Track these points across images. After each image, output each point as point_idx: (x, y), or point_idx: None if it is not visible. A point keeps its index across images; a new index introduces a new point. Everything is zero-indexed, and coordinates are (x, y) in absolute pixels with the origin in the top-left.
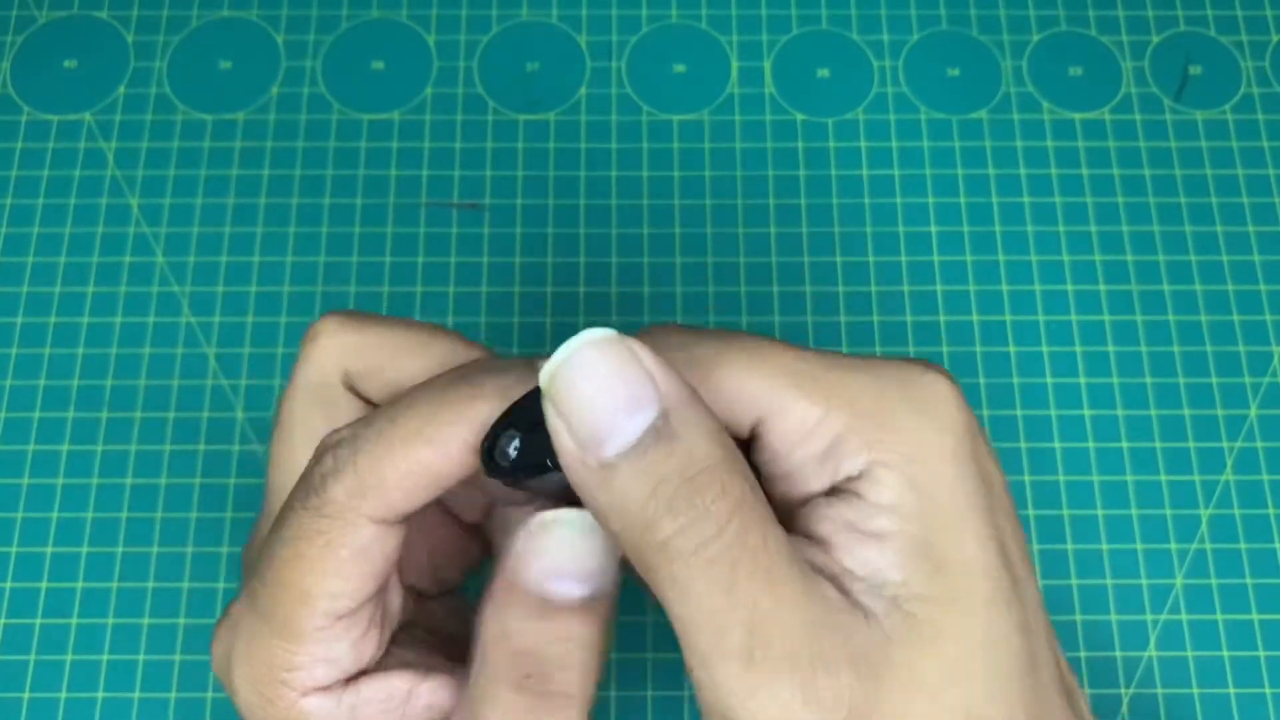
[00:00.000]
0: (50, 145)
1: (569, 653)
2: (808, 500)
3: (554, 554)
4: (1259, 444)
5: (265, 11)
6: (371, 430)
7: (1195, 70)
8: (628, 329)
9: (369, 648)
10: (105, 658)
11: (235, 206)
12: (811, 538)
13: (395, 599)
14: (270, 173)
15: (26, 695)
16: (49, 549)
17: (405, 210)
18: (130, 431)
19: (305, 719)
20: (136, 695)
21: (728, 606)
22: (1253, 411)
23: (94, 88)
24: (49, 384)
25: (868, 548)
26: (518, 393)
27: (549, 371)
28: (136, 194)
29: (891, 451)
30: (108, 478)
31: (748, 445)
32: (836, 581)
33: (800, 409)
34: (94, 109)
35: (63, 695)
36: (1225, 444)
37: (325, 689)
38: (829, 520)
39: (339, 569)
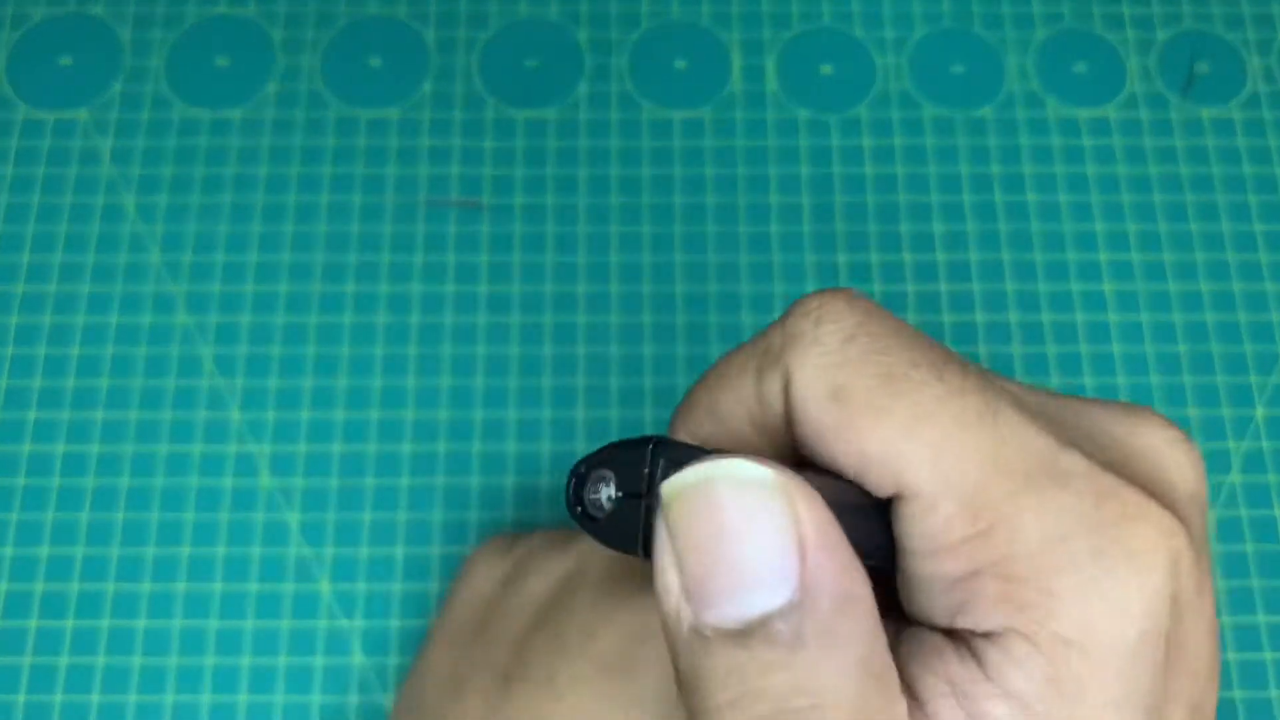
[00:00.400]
0: (45, 143)
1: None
2: (920, 619)
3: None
4: (1265, 444)
5: (262, 8)
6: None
7: (1201, 68)
8: (629, 328)
9: None
10: (101, 660)
11: (232, 204)
12: (903, 676)
13: None
14: (267, 171)
15: (21, 698)
16: (44, 549)
17: (403, 208)
18: (126, 431)
19: None
20: (132, 698)
21: None
22: (1259, 412)
23: (89, 85)
24: (44, 384)
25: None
26: None
27: (676, 489)
28: (132, 192)
29: (1042, 626)
30: (103, 478)
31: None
32: None
33: (946, 510)
34: (89, 106)
35: (58, 698)
36: (1231, 444)
37: None
38: (931, 671)
39: None
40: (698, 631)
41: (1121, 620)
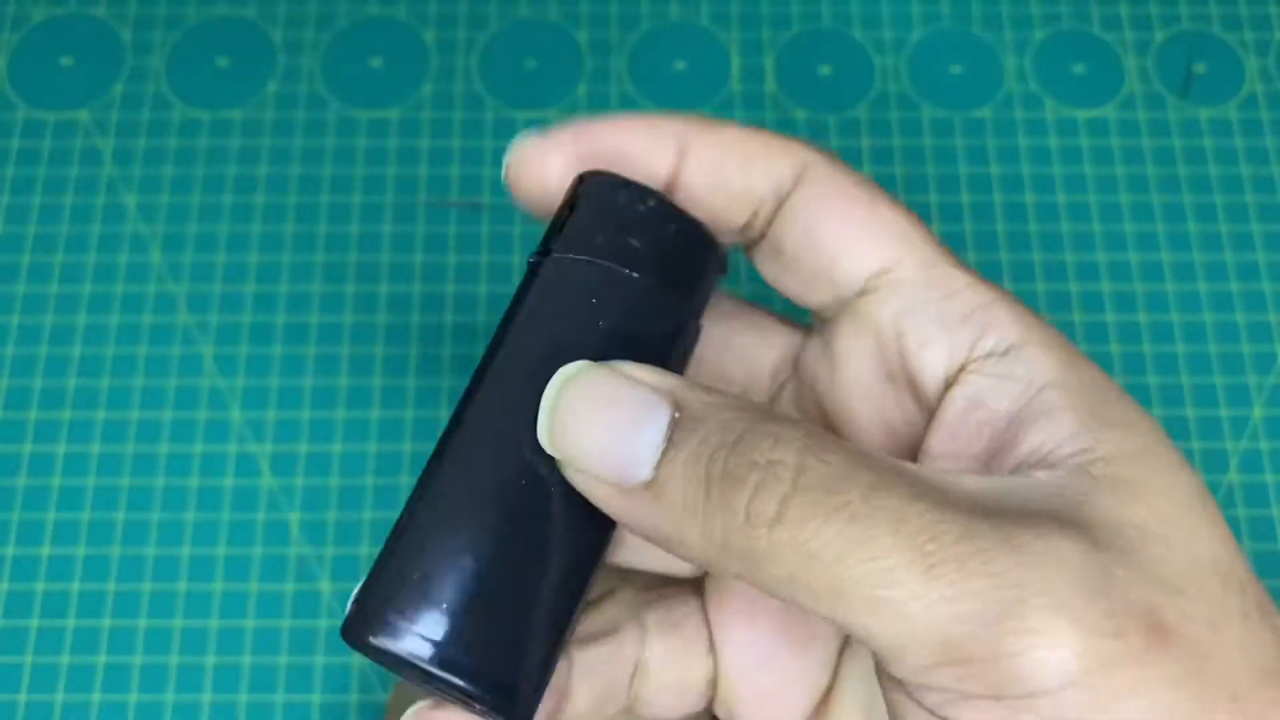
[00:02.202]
0: (46, 143)
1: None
2: (928, 377)
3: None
4: (1263, 444)
5: (263, 9)
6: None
7: (1199, 68)
8: None
9: None
10: (102, 659)
11: (232, 205)
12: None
13: None
14: (267, 171)
15: (23, 697)
16: (45, 550)
17: (403, 209)
18: (127, 432)
19: None
20: (133, 698)
21: (862, 539)
22: (1257, 412)
23: (90, 85)
24: (44, 384)
25: (1033, 429)
26: None
27: (545, 435)
28: (133, 192)
29: (1043, 329)
30: (104, 478)
31: (852, 314)
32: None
33: (946, 264)
34: (90, 107)
35: (59, 697)
36: (1229, 445)
37: None
38: (962, 401)
39: None
40: (651, 485)
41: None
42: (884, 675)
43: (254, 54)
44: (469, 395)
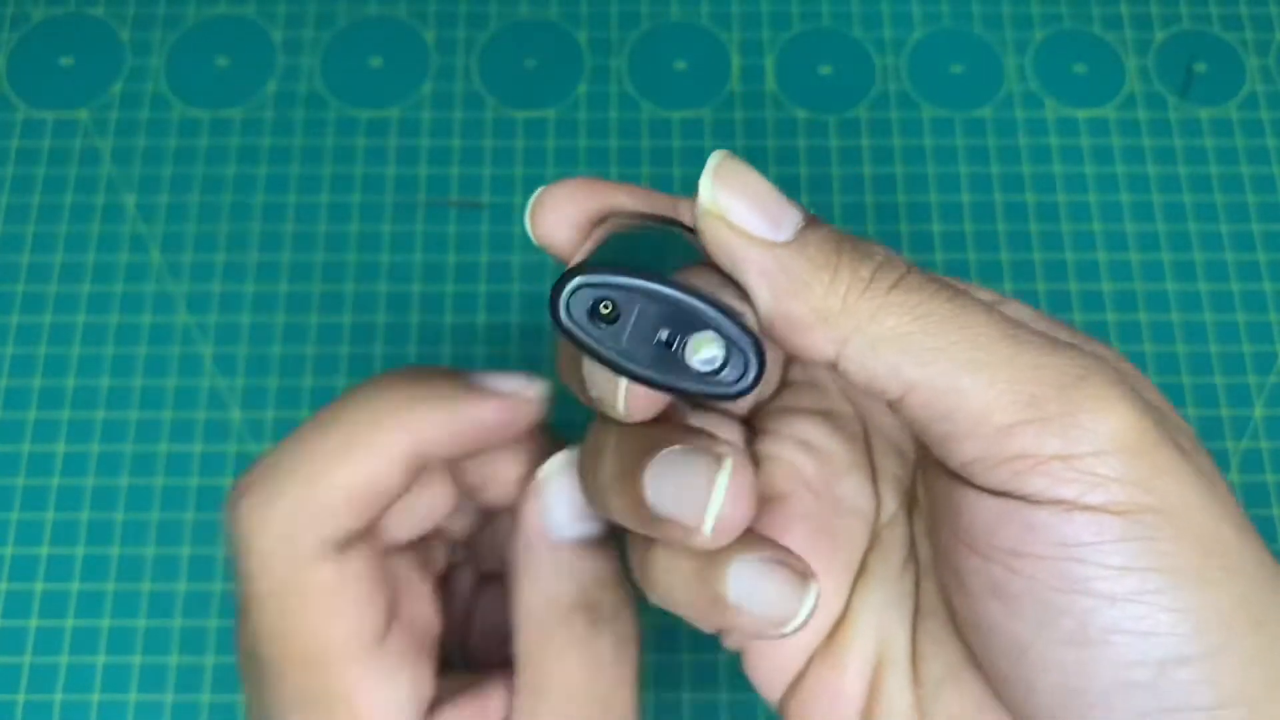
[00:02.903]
0: (46, 143)
1: (618, 595)
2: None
3: (567, 495)
4: (1263, 444)
5: (262, 8)
6: (296, 444)
7: (1200, 68)
8: None
9: (426, 674)
10: (101, 659)
11: (231, 204)
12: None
13: (429, 611)
14: (267, 170)
15: (22, 698)
16: (44, 550)
17: (403, 208)
18: (126, 432)
19: None
20: (132, 697)
21: (961, 314)
22: (1257, 412)
23: (89, 85)
24: (44, 384)
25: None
26: (457, 411)
27: (707, 189)
28: (132, 192)
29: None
30: (103, 478)
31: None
32: None
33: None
34: (89, 106)
35: (58, 697)
36: (1230, 445)
37: None
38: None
39: (332, 606)
40: (798, 236)
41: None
42: (941, 478)
43: (253, 53)
44: None
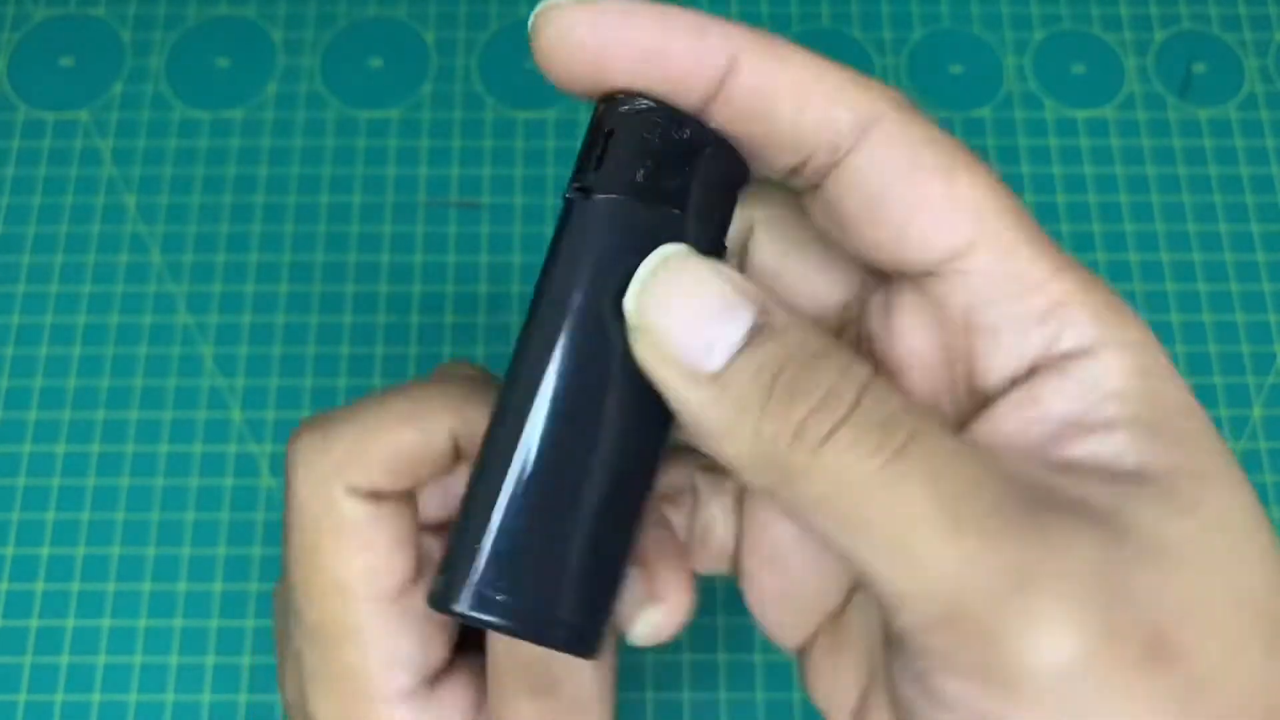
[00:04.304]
0: (46, 143)
1: (574, 660)
2: (993, 375)
3: None
4: (1262, 445)
5: (263, 9)
6: (357, 410)
7: (1199, 68)
8: None
9: (436, 645)
10: (101, 660)
11: (232, 205)
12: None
13: None
14: (267, 171)
15: (22, 698)
16: (45, 550)
17: (403, 209)
18: (126, 432)
19: None
20: (133, 698)
21: (898, 482)
22: (1256, 412)
23: (90, 85)
24: (45, 384)
25: (1086, 440)
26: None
27: (633, 301)
28: (133, 192)
29: (1126, 330)
30: (104, 478)
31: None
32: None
33: (1027, 252)
34: (90, 107)
35: (59, 698)
36: (1229, 445)
37: (410, 697)
38: (1016, 399)
39: (357, 544)
40: (718, 376)
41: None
42: (887, 632)
43: (254, 54)
44: (520, 354)
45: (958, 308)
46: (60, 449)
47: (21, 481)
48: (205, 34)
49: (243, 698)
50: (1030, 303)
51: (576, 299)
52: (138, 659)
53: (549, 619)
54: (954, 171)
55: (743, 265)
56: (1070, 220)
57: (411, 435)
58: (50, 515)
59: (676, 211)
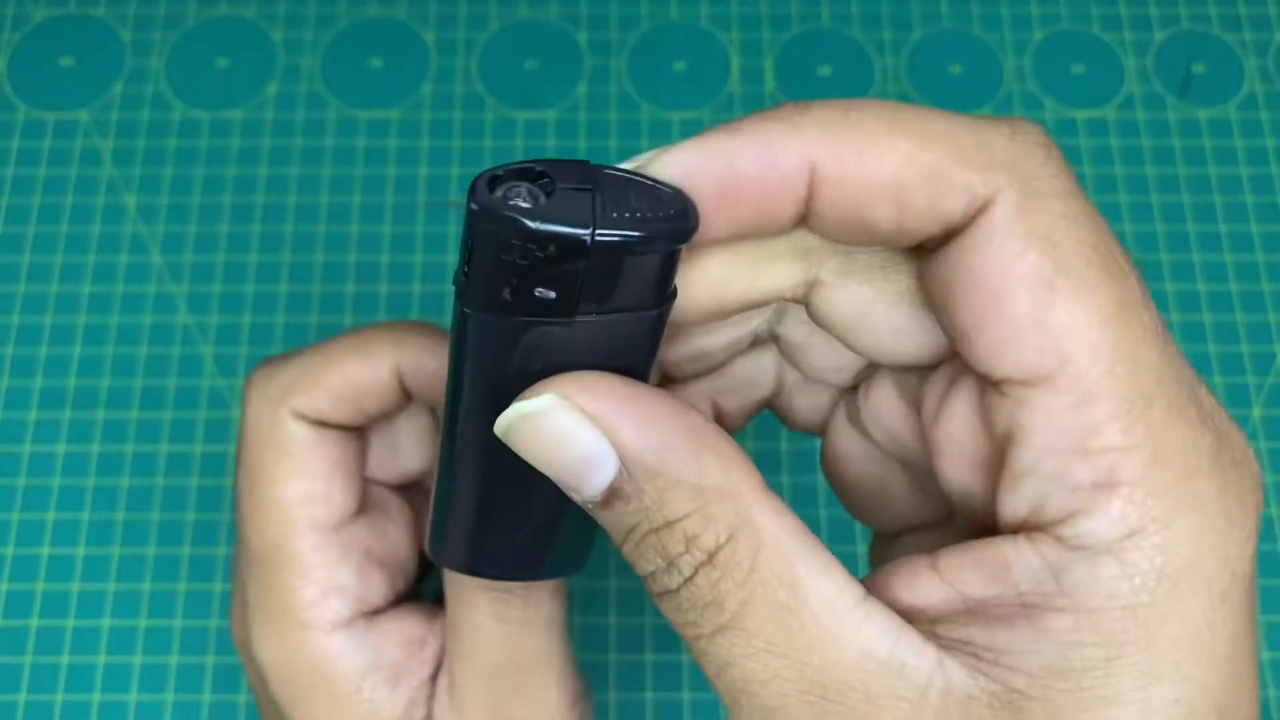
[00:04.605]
0: (46, 143)
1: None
2: (1005, 511)
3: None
4: (1262, 444)
5: (263, 9)
6: (309, 347)
7: (1198, 68)
8: None
9: (376, 584)
10: (101, 659)
11: (232, 205)
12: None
13: (401, 547)
14: (267, 171)
15: (23, 697)
16: (45, 550)
17: (403, 209)
18: (127, 432)
19: (332, 660)
20: (133, 697)
21: (717, 672)
22: (1256, 412)
23: (90, 86)
24: (45, 384)
25: (1029, 645)
26: (435, 348)
27: (503, 435)
28: (133, 192)
29: (1146, 557)
30: (104, 478)
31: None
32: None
33: (1106, 408)
34: (90, 107)
35: (59, 697)
36: None
37: (346, 627)
38: (998, 579)
39: (298, 467)
40: (592, 504)
41: (1221, 564)
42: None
43: (254, 54)
44: (449, 424)
45: (1004, 428)
46: (60, 449)
47: (22, 481)
48: (205, 34)
49: (242, 698)
50: (1073, 468)
51: (467, 402)
52: (138, 659)
53: (500, 566)
54: (1056, 286)
55: (809, 307)
56: None
57: (356, 364)
58: (50, 515)
59: (559, 319)
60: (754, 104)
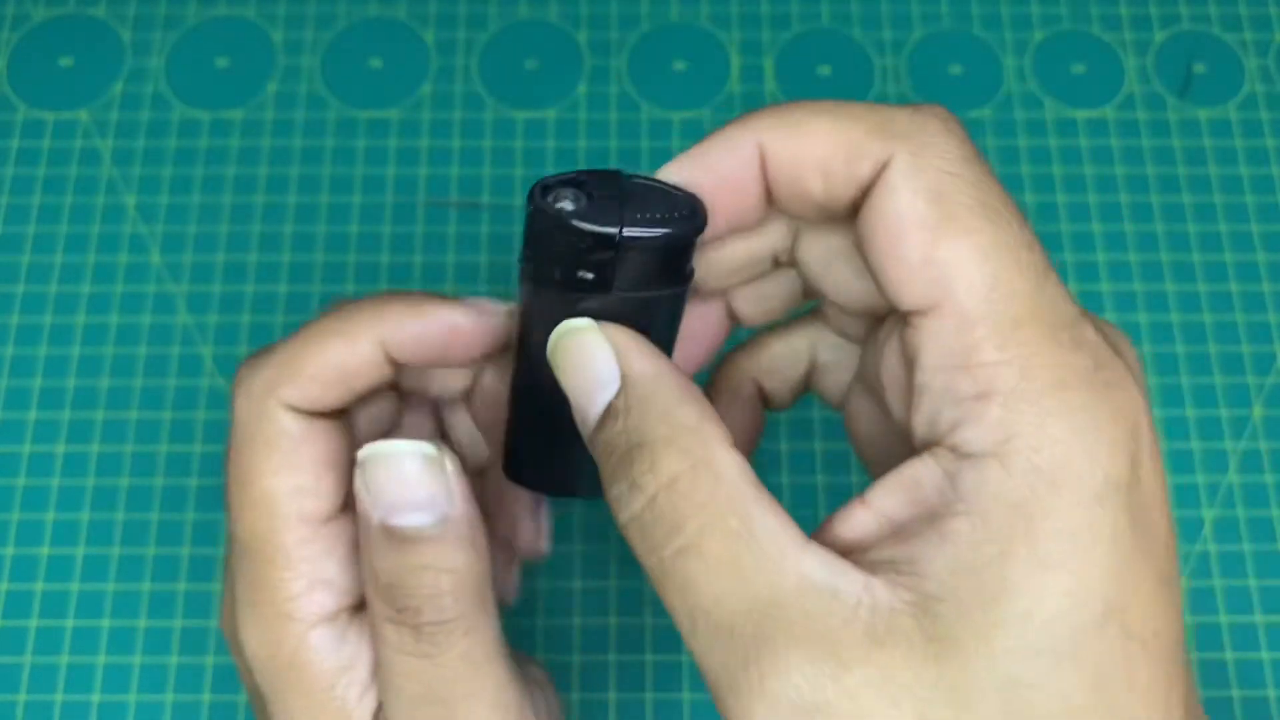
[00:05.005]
0: (46, 143)
1: (433, 581)
2: (915, 431)
3: (388, 488)
4: (1262, 445)
5: (262, 9)
6: (291, 335)
7: (1199, 68)
8: None
9: (361, 578)
10: (101, 660)
11: (232, 205)
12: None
13: None
14: (267, 171)
15: (22, 698)
16: (44, 550)
17: (403, 209)
18: (126, 432)
19: (311, 654)
20: (132, 698)
21: (679, 591)
22: (1256, 412)
23: (90, 85)
24: (44, 384)
25: (939, 544)
26: (427, 313)
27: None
28: (133, 192)
29: (1024, 457)
30: (103, 478)
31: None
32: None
33: (981, 332)
34: (90, 107)
35: (58, 698)
36: (1229, 445)
37: (330, 621)
38: (899, 486)
39: (287, 460)
40: (592, 429)
41: (1092, 463)
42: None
43: (254, 54)
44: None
45: (911, 359)
46: (60, 449)
47: (21, 481)
48: (205, 34)
49: (241, 699)
50: (957, 382)
51: (527, 354)
52: (137, 659)
53: (536, 482)
54: (940, 229)
55: (793, 261)
56: (1070, 220)
57: (339, 344)
58: (50, 515)
59: (598, 294)
60: (754, 103)
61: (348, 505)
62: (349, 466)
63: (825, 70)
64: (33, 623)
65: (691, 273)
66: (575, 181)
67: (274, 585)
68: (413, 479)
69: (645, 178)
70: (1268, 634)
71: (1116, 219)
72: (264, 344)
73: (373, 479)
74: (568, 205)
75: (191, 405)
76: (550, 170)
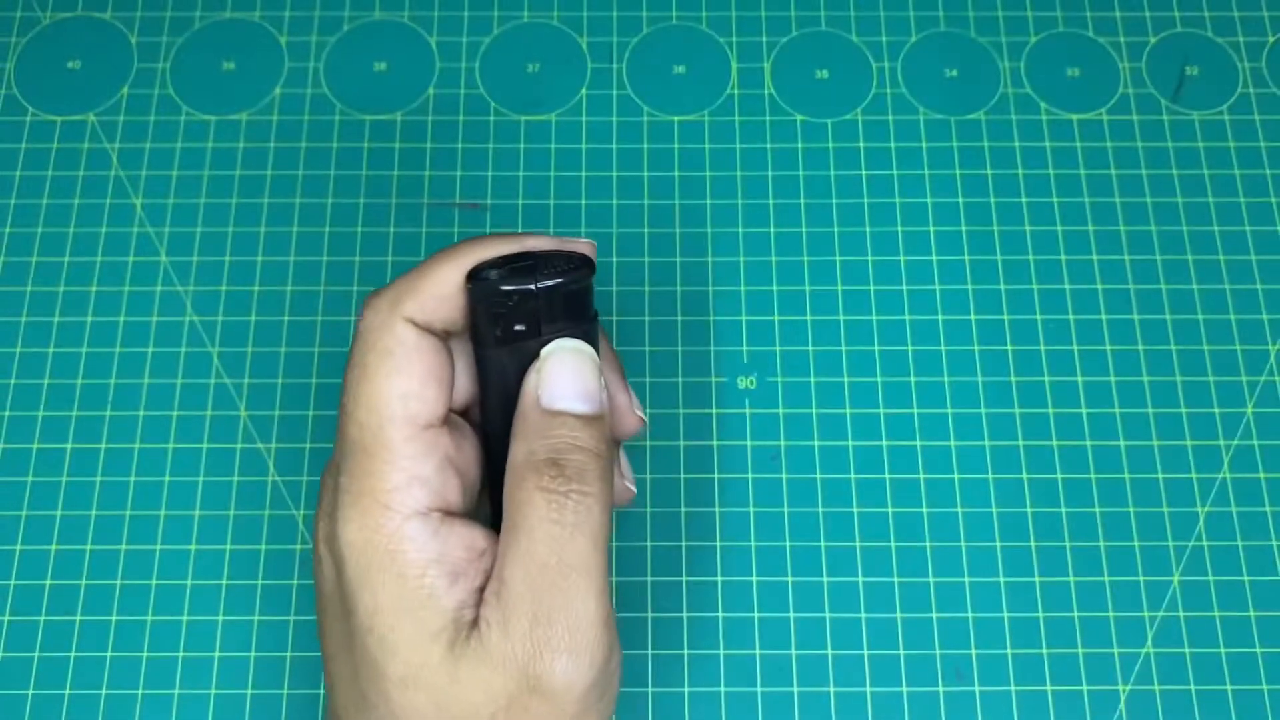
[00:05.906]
0: (54, 146)
1: (585, 460)
2: None
3: (563, 377)
4: (1255, 442)
5: (268, 12)
6: (414, 267)
7: (1192, 71)
8: (630, 324)
9: (453, 489)
10: (109, 655)
11: (238, 206)
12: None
13: (472, 465)
14: (273, 173)
15: (30, 692)
16: (53, 547)
17: (407, 210)
18: (134, 430)
19: (405, 543)
20: (140, 692)
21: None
22: (1249, 410)
23: (98, 88)
24: (53, 383)
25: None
26: (527, 245)
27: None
28: (140, 194)
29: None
30: (111, 476)
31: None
32: None
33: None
34: (98, 110)
35: (66, 691)
36: (1222, 442)
37: (423, 516)
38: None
39: (399, 365)
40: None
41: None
42: None
43: (260, 57)
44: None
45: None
46: (68, 446)
47: (30, 479)
48: (211, 37)
49: (249, 692)
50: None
51: (490, 403)
52: (144, 655)
53: None
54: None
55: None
56: (1065, 221)
57: (449, 268)
58: (58, 512)
59: (532, 341)
60: (753, 106)
61: (446, 419)
62: (450, 382)
63: (823, 74)
64: (42, 618)
65: (596, 313)
66: (495, 264)
67: (378, 477)
68: (585, 373)
69: (547, 247)
70: (1260, 630)
71: (1111, 220)
72: (270, 342)
73: (551, 369)
74: (493, 275)
75: (199, 404)
76: (550, 172)
